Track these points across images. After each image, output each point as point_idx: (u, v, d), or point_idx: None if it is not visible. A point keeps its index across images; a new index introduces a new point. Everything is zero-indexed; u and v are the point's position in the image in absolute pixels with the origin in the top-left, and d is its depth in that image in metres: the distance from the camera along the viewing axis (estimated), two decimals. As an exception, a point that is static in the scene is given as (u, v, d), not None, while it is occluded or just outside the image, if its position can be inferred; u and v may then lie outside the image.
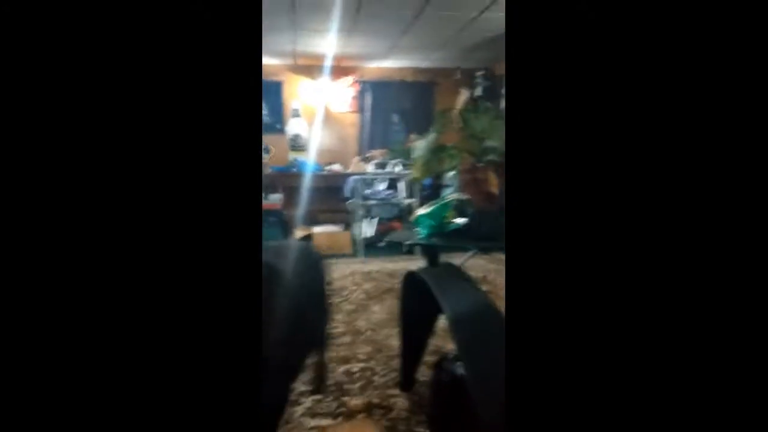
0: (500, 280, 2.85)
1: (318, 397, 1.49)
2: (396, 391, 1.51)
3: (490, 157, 1.22)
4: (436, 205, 1.27)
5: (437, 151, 1.34)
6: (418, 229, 1.24)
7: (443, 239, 1.26)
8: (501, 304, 2.18)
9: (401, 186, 4.16)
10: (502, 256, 2.84)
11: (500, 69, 4.89)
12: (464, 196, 1.32)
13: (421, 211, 1.27)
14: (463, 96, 4.77)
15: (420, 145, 1.33)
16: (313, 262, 1.14)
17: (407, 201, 4.03)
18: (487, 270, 3.14)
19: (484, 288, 2.71)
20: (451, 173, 1.37)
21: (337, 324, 2.17)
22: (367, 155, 4.66)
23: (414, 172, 1.39)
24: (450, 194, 1.60)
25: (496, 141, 1.16)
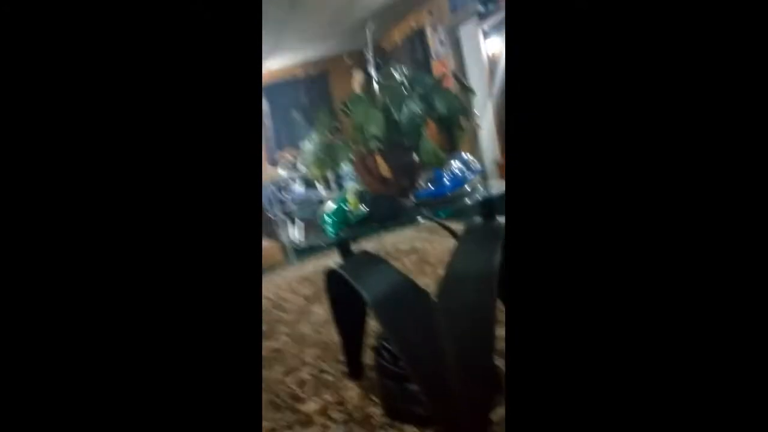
0: (428, 247, 2.98)
1: (277, 415, 1.49)
2: (349, 383, 1.56)
3: (375, 144, 1.27)
4: (337, 201, 1.30)
5: (326, 148, 1.36)
6: (325, 229, 1.28)
7: (352, 231, 1.30)
8: (431, 272, 2.28)
9: (316, 182, 4.15)
10: (428, 226, 2.95)
11: (387, 43, 4.97)
12: (359, 186, 1.36)
13: (324, 210, 1.30)
14: (358, 78, 4.80)
15: (307, 146, 1.35)
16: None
17: (327, 195, 4.03)
18: (414, 240, 3.25)
19: (413, 257, 2.82)
20: (346, 164, 1.40)
21: (280, 336, 2.16)
22: (276, 159, 4.57)
23: (311, 172, 1.41)
24: (348, 186, 1.64)
25: (376, 128, 1.21)
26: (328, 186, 3.90)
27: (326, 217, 1.27)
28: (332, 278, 1.42)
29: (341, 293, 1.44)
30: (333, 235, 1.25)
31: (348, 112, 1.34)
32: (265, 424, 1.45)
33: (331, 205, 1.33)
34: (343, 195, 1.32)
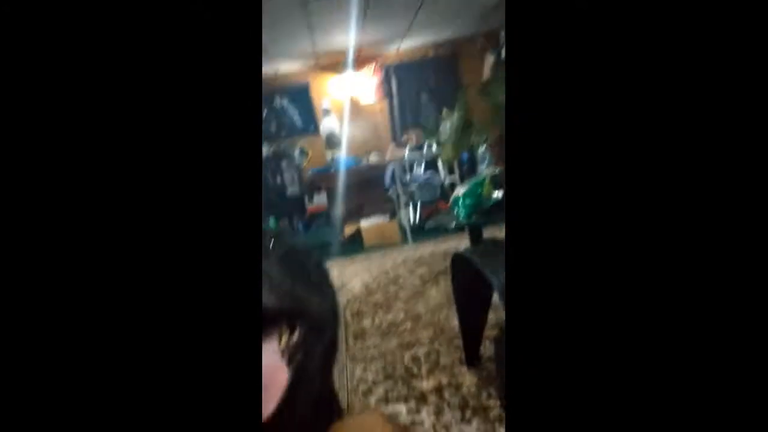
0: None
1: (389, 384, 1.55)
2: (464, 369, 1.54)
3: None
4: (471, 184, 1.26)
5: (463, 129, 1.33)
6: (456, 212, 1.25)
7: (483, 216, 1.26)
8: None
9: (440, 165, 4.13)
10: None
11: (524, 25, 4.66)
12: (498, 170, 1.30)
13: (457, 192, 1.27)
14: (490, 61, 4.62)
15: (445, 127, 1.33)
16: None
17: (448, 180, 4.00)
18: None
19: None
20: (483, 147, 1.36)
21: (397, 312, 2.22)
22: (402, 139, 4.66)
23: (444, 154, 1.39)
24: (485, 169, 1.58)
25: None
26: (451, 171, 3.86)
27: (459, 200, 1.24)
28: (458, 262, 1.40)
29: (465, 279, 1.41)
30: (464, 218, 1.23)
31: (486, 94, 1.29)
32: (379, 391, 1.51)
33: (464, 189, 1.30)
34: (478, 179, 1.28)
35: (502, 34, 4.60)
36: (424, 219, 3.95)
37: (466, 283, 1.40)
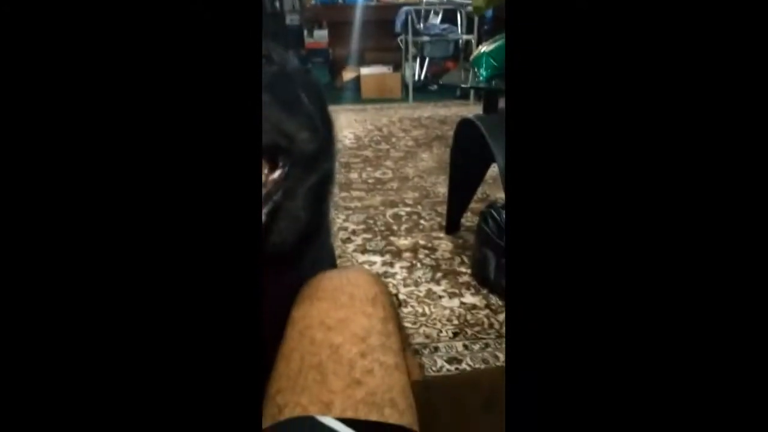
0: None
1: (368, 236, 1.59)
2: (441, 234, 1.58)
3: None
4: (499, 42, 1.10)
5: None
6: (478, 70, 1.11)
7: (503, 82, 1.13)
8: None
9: (460, 19, 3.69)
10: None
11: None
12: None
13: (482, 48, 1.11)
14: None
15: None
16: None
17: (465, 37, 3.61)
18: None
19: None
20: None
21: (386, 170, 2.20)
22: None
23: (476, 1, 1.18)
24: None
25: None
26: (471, 28, 3.45)
27: (483, 57, 1.09)
28: (464, 128, 1.31)
29: (467, 146, 1.35)
30: (484, 80, 1.10)
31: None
32: (358, 241, 1.56)
33: (490, 47, 1.14)
34: (503, 40, 1.11)
35: None
36: (430, 77, 3.68)
37: (467, 149, 1.33)
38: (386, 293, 0.45)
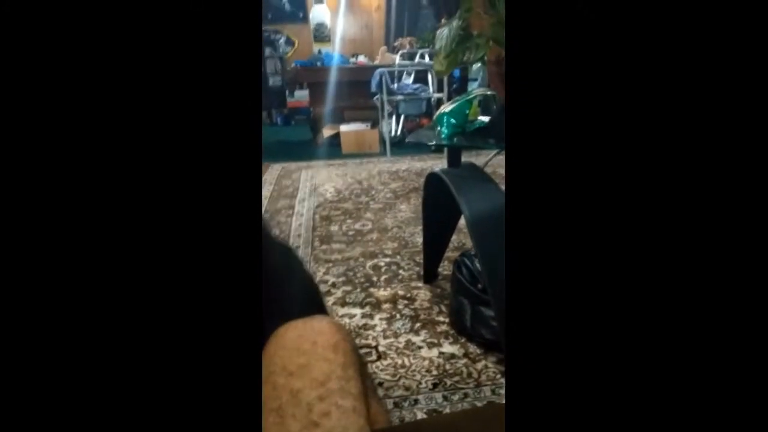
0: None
1: (348, 288, 1.61)
2: (420, 284, 1.61)
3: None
4: (458, 102, 1.20)
5: (462, 40, 1.23)
6: (440, 128, 1.20)
7: (466, 138, 1.22)
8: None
9: (430, 78, 3.93)
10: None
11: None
12: (489, 91, 1.23)
13: (443, 109, 1.21)
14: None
15: (442, 35, 1.22)
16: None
17: (436, 95, 3.84)
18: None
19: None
20: (477, 65, 1.27)
21: (366, 222, 2.25)
22: (395, 45, 4.36)
23: (437, 65, 1.29)
24: (475, 89, 1.50)
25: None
26: (441, 87, 3.68)
27: (444, 117, 1.18)
28: (431, 182, 1.38)
29: (436, 199, 1.41)
30: (445, 137, 1.18)
31: (492, 6, 1.17)
32: (338, 294, 1.57)
33: (450, 106, 1.24)
34: (467, 97, 1.21)
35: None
36: (406, 133, 3.85)
37: (436, 202, 1.40)
38: (349, 340, 0.48)
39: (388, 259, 1.83)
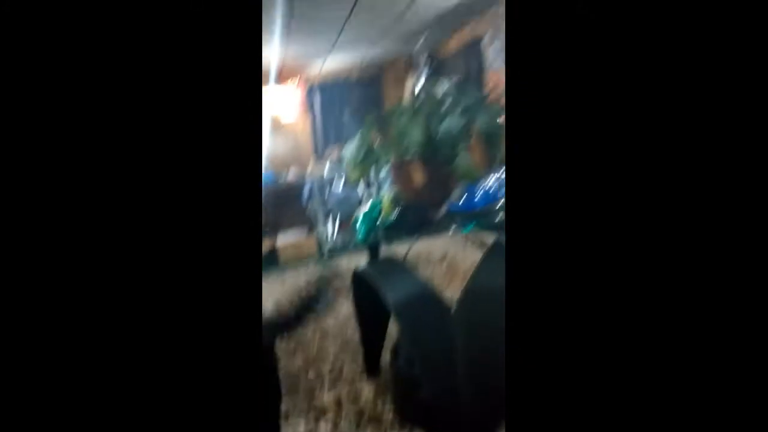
0: (460, 258, 2.97)
1: (292, 400, 1.57)
2: (363, 379, 1.61)
3: (413, 153, 1.32)
4: (370, 205, 1.35)
5: (367, 152, 1.42)
6: (356, 231, 1.33)
7: (382, 235, 1.35)
8: (458, 282, 2.27)
9: (360, 182, 4.23)
10: (459, 236, 2.94)
11: (444, 51, 5.00)
12: (395, 191, 1.41)
13: (356, 214, 1.35)
14: (410, 83, 4.85)
15: (349, 149, 1.42)
16: None
17: (366, 196, 4.10)
18: (447, 249, 3.25)
19: (443, 266, 2.81)
20: (386, 168, 1.46)
21: (306, 329, 2.24)
22: (323, 156, 4.71)
23: (350, 174, 1.47)
24: (384, 191, 1.69)
25: (416, 138, 1.26)
26: (369, 188, 3.97)
27: (358, 219, 1.32)
28: (358, 279, 1.47)
29: (366, 294, 1.49)
30: (362, 237, 1.31)
31: (392, 119, 1.40)
32: (282, 407, 1.52)
33: (363, 209, 1.39)
34: (378, 199, 1.37)
35: (422, 58, 4.85)
36: (342, 234, 4.00)
37: (365, 298, 1.47)
38: None
39: (330, 362, 1.82)
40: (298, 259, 3.69)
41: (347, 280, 2.96)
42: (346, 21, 3.52)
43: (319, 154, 4.82)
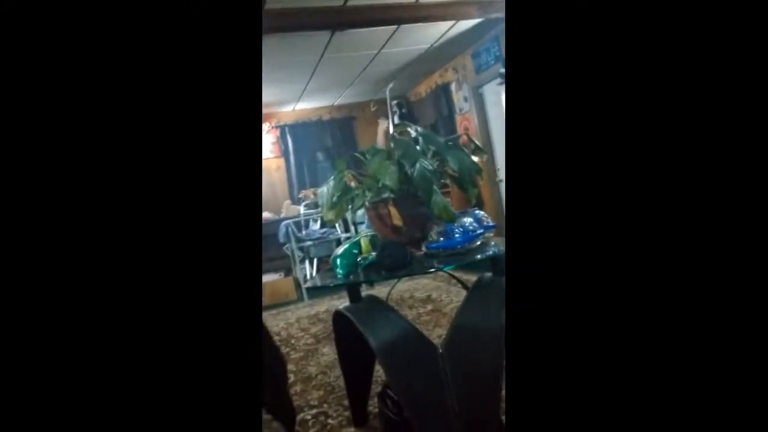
0: (444, 297, 2.96)
1: (273, 454, 1.48)
2: (352, 429, 1.54)
3: (388, 194, 1.33)
4: (348, 245, 1.35)
5: (342, 193, 1.43)
6: (335, 270, 1.31)
7: (362, 275, 1.33)
8: (445, 321, 2.26)
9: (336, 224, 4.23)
10: (442, 275, 2.95)
11: (414, 95, 5.19)
12: (372, 231, 1.41)
13: (336, 252, 1.34)
14: (383, 126, 4.98)
15: (324, 192, 1.42)
16: None
17: (344, 235, 4.09)
18: (430, 289, 3.24)
19: (429, 306, 2.80)
20: (362, 210, 1.46)
21: (287, 375, 2.15)
22: (299, 197, 4.70)
23: (326, 216, 1.47)
24: (362, 230, 1.69)
25: (390, 180, 1.27)
26: (346, 228, 3.97)
27: (337, 259, 1.31)
28: (339, 320, 1.44)
29: (348, 336, 1.45)
30: (341, 277, 1.29)
31: (365, 160, 1.42)
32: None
33: (342, 249, 1.38)
34: (356, 239, 1.36)
35: (392, 103, 5.02)
36: (320, 275, 3.95)
37: (349, 339, 1.44)
38: None
39: (314, 410, 1.74)
40: (276, 301, 3.61)
41: (328, 323, 2.91)
42: (316, 66, 3.63)
43: (295, 196, 4.82)
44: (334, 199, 1.40)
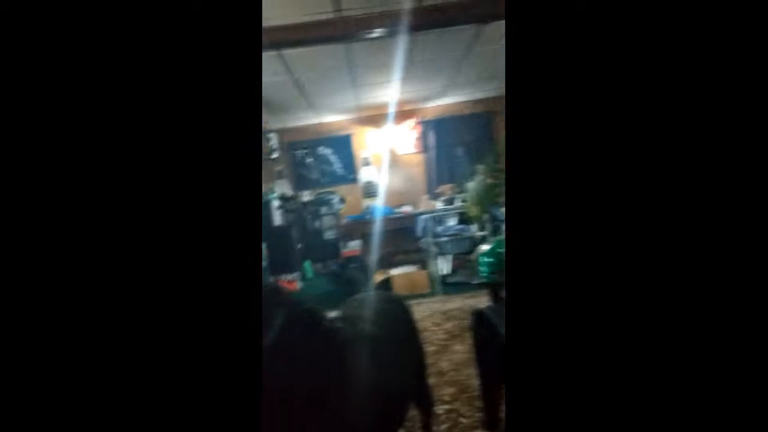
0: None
1: (405, 441, 1.52)
2: (483, 433, 1.49)
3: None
4: (493, 243, 1.29)
5: (488, 188, 1.38)
6: (479, 268, 1.28)
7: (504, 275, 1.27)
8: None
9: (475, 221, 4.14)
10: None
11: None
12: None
13: (481, 250, 1.30)
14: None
15: (470, 188, 1.38)
16: (397, 310, 1.22)
17: (480, 234, 4.00)
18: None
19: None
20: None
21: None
22: (436, 192, 4.73)
23: (470, 212, 1.44)
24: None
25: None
26: (482, 226, 3.86)
27: (481, 258, 1.27)
28: (479, 320, 1.40)
29: (486, 336, 1.40)
30: (486, 276, 1.25)
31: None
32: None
33: (486, 247, 1.33)
34: (500, 237, 1.30)
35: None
36: (454, 271, 3.92)
37: (487, 341, 1.39)
38: None
39: (446, 406, 1.73)
40: (411, 292, 3.71)
41: (462, 321, 2.87)
42: (461, 62, 3.58)
43: (433, 191, 4.86)
44: (480, 193, 1.36)
